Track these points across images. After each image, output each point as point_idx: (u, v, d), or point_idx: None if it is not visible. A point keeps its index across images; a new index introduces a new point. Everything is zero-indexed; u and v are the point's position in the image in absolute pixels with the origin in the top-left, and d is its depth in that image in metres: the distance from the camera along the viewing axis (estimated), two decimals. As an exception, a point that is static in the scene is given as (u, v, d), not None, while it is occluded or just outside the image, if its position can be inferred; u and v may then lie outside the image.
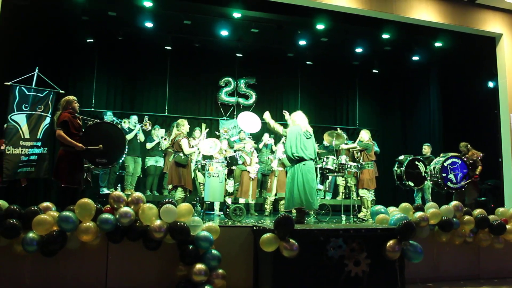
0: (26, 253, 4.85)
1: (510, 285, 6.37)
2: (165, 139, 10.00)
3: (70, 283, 5.13)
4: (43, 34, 9.93)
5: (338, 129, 10.01)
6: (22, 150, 7.05)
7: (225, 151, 8.92)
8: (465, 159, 8.24)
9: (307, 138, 6.82)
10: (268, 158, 9.92)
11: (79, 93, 10.51)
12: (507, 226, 6.73)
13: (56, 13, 9.70)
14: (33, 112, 7.24)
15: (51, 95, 7.44)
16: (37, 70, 7.43)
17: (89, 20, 10.00)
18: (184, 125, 7.81)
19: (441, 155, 8.59)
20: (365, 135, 8.78)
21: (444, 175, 8.00)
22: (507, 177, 9.27)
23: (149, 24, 10.19)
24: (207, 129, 9.38)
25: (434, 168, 8.26)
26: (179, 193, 7.50)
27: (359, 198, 8.70)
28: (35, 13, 9.06)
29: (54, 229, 4.89)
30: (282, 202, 9.54)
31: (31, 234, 4.82)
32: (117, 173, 9.67)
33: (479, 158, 8.39)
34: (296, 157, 6.72)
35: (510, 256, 6.94)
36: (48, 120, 7.33)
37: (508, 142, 9.30)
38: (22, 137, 7.10)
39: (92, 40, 10.63)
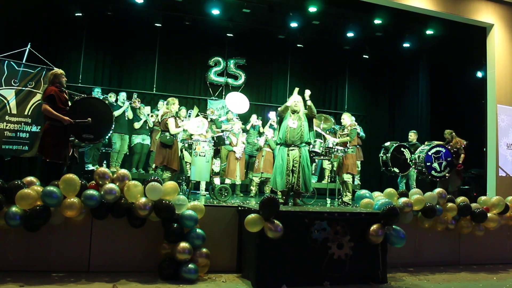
0: (9, 227, 4.82)
1: (488, 271, 6.50)
2: (151, 116, 9.91)
3: (53, 258, 5.12)
4: (29, 6, 9.70)
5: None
6: (7, 126, 6.93)
7: (207, 132, 8.84)
8: (449, 147, 8.31)
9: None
10: (257, 140, 9.91)
11: (66, 68, 10.27)
12: (488, 214, 6.85)
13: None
14: (23, 88, 7.11)
15: (44, 72, 7.30)
16: (29, 46, 7.27)
17: (78, -7, 9.82)
18: (174, 103, 7.72)
19: (426, 143, 8.65)
20: (347, 118, 8.69)
21: (428, 164, 8.07)
22: (490, 167, 9.40)
23: (139, 0, 10.02)
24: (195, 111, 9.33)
25: (418, 157, 8.32)
26: (166, 173, 7.47)
27: (340, 182, 8.67)
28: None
29: (38, 204, 4.86)
30: (268, 183, 9.59)
31: (14, 209, 4.78)
32: (103, 150, 9.58)
33: (463, 146, 8.47)
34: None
35: (490, 243, 7.09)
36: (39, 96, 7.19)
37: (493, 132, 9.41)
38: (9, 112, 6.98)
39: (80, 14, 10.41)
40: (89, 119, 5.85)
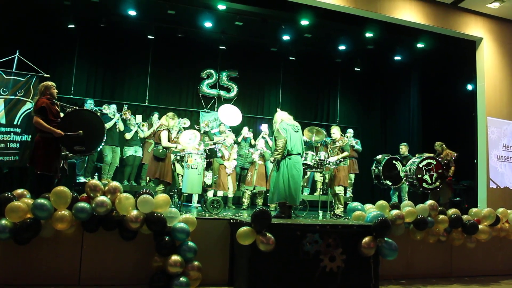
0: (-2, 240, 4.77)
1: (479, 283, 6.51)
2: (143, 125, 9.88)
3: (43, 272, 5.06)
4: (23, 17, 9.70)
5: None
6: None
7: (199, 144, 8.83)
8: (439, 159, 8.36)
9: (295, 132, 6.79)
10: (249, 151, 9.92)
11: (59, 80, 10.33)
12: (480, 226, 6.87)
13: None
14: (12, 97, 7.04)
15: (33, 79, 7.24)
16: (17, 53, 7.21)
17: (71, 5, 9.80)
18: (174, 119, 7.68)
19: (417, 155, 8.69)
20: (337, 132, 8.71)
21: (419, 176, 8.10)
22: (481, 179, 9.47)
23: (132, 12, 10.05)
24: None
25: (409, 169, 8.36)
26: (160, 186, 7.43)
27: (332, 194, 8.67)
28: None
29: (28, 216, 4.82)
30: (260, 196, 9.58)
31: (3, 221, 4.73)
32: (95, 163, 9.53)
33: (453, 158, 8.53)
34: (291, 153, 6.65)
35: (481, 255, 7.11)
36: (29, 105, 7.14)
37: (483, 144, 9.49)
38: None
39: (73, 26, 10.42)
40: (81, 131, 5.82)
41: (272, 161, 6.82)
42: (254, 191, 9.57)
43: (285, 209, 6.67)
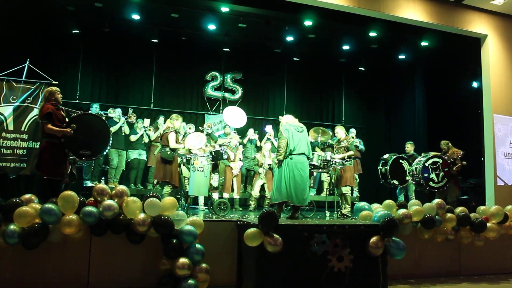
0: (7, 245, 4.79)
1: (489, 282, 6.47)
2: (150, 129, 9.90)
3: (51, 276, 5.08)
4: (26, 23, 9.74)
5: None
6: (4, 143, 6.89)
7: (206, 146, 8.85)
8: (445, 157, 8.32)
9: (299, 132, 6.82)
10: (254, 157, 9.92)
11: (64, 85, 10.35)
12: (488, 224, 6.83)
13: (41, 2, 9.52)
14: (21, 104, 7.09)
15: (42, 87, 7.28)
16: (28, 62, 7.26)
17: (75, 10, 9.87)
18: (177, 120, 7.74)
19: (422, 154, 8.67)
20: (341, 132, 8.69)
21: (426, 175, 8.07)
22: (488, 176, 9.42)
23: (136, 16, 10.09)
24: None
25: (416, 168, 8.33)
26: (166, 188, 7.44)
27: (338, 194, 8.66)
28: (18, 0, 8.88)
29: (36, 221, 4.84)
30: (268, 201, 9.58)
31: (12, 227, 4.75)
32: (102, 166, 9.55)
33: (459, 156, 8.48)
34: (293, 152, 6.69)
35: (490, 253, 7.06)
36: (36, 111, 7.17)
37: (490, 141, 9.45)
38: (5, 128, 6.95)
39: (77, 31, 10.47)
40: (74, 125, 5.79)
41: (277, 162, 6.88)
42: (262, 193, 9.57)
43: (281, 209, 6.79)
